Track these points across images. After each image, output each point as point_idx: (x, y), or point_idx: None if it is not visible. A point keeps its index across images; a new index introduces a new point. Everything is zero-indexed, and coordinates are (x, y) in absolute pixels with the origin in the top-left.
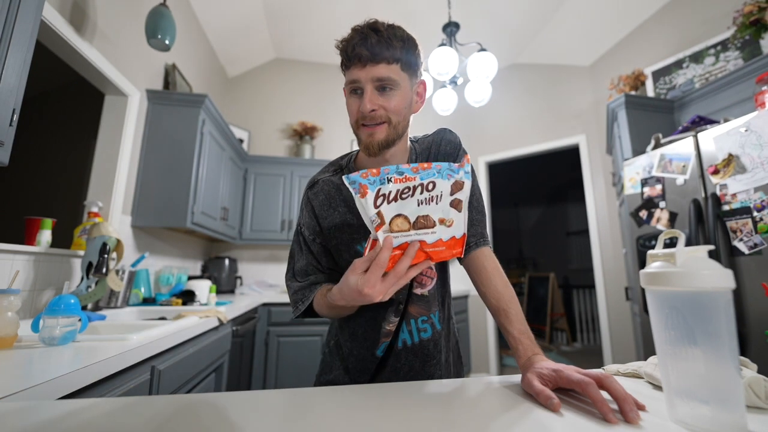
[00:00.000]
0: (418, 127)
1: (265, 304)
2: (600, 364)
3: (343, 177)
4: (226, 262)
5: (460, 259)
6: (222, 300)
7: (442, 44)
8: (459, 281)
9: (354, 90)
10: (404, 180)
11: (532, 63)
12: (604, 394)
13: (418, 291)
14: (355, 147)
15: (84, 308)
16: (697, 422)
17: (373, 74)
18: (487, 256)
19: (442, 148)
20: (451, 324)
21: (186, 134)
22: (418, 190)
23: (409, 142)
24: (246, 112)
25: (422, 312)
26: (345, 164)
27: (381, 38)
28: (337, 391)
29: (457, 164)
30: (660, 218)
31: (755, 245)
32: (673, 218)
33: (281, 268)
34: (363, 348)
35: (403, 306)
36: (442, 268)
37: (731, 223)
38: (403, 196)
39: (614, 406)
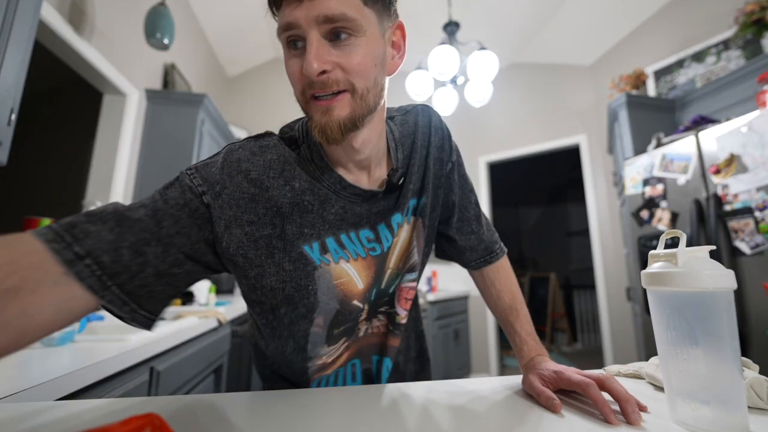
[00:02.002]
0: None
1: None
2: (601, 364)
3: None
4: None
5: (472, 266)
6: (221, 300)
7: (443, 43)
8: (459, 281)
9: (292, 41)
10: None
11: (533, 62)
12: (606, 396)
13: (404, 321)
14: None
15: None
16: (698, 423)
17: (318, 11)
18: (505, 259)
19: (432, 139)
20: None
21: (185, 134)
22: None
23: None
24: (245, 111)
25: (401, 340)
26: (302, 138)
27: None
28: (338, 392)
29: None
30: (661, 218)
31: (757, 245)
32: (674, 218)
33: None
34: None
35: (341, 329)
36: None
37: (733, 223)
38: None
39: (615, 407)
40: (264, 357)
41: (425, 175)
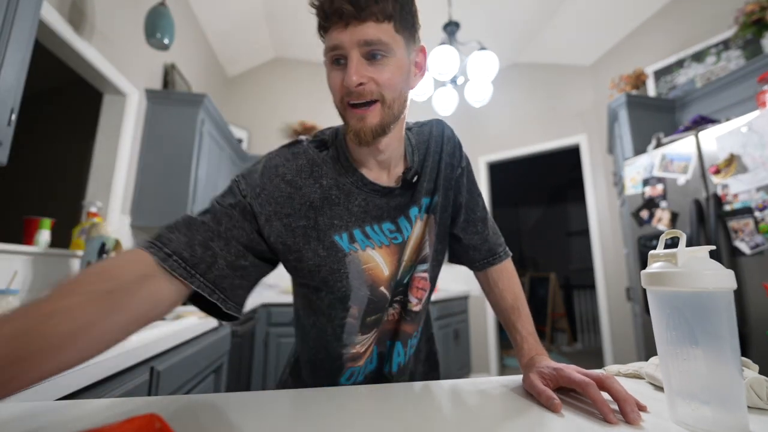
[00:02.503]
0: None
1: (264, 305)
2: (601, 364)
3: None
4: None
5: (476, 267)
6: None
7: (443, 43)
8: (459, 281)
9: (336, 59)
10: None
11: (533, 62)
12: (605, 395)
13: (416, 308)
14: None
15: None
16: (698, 423)
17: (359, 36)
18: (509, 262)
19: (444, 146)
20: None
21: (185, 134)
22: None
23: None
24: (245, 111)
25: (415, 328)
26: (331, 141)
27: None
28: (338, 392)
29: None
30: (661, 218)
31: (757, 245)
32: (674, 218)
33: (280, 269)
34: (320, 377)
35: (373, 318)
36: (433, 276)
37: (732, 223)
38: None
39: (614, 407)
40: (306, 339)
41: (437, 176)
